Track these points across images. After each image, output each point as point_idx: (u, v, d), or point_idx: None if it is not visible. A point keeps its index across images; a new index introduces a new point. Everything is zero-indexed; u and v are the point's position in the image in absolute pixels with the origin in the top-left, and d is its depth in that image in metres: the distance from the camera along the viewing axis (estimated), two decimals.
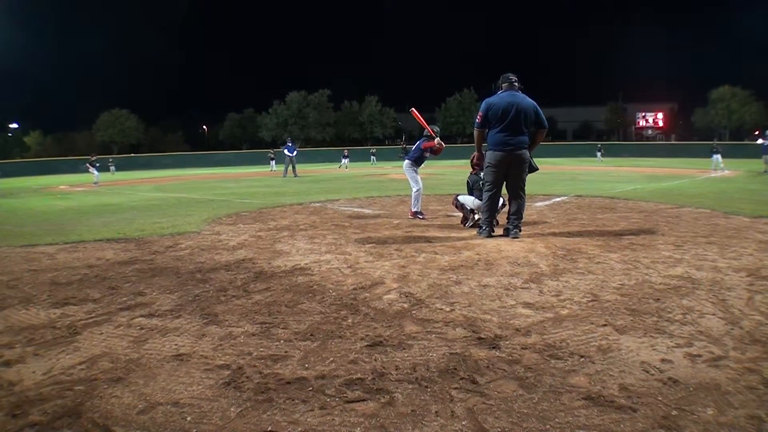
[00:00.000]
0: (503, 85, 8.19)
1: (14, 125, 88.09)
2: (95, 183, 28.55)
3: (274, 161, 44.99)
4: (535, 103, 8.11)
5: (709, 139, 50.39)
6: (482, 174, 8.71)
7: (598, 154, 52.26)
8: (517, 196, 8.16)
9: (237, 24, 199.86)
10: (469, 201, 9.31)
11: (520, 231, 8.17)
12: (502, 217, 9.08)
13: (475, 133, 8.50)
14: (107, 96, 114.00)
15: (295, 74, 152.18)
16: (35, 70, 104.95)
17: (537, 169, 8.64)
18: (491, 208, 8.26)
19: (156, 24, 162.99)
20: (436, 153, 10.71)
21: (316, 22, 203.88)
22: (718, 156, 30.00)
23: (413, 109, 10.75)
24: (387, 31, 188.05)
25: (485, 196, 8.27)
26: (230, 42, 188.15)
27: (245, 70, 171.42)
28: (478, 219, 9.10)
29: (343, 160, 47.18)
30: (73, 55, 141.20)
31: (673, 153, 56.78)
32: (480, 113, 8.22)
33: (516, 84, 8.16)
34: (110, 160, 52.22)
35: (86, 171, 31.20)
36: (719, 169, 28.71)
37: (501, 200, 8.79)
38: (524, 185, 8.24)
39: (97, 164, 31.17)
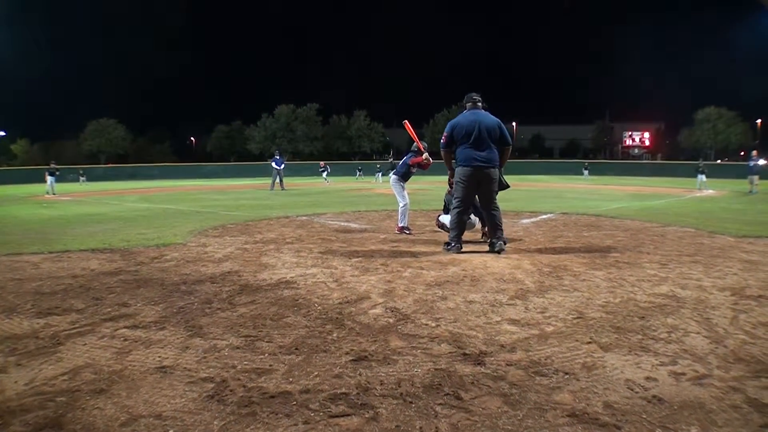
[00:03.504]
0: (467, 105, 8.45)
1: (1, 133, 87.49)
2: (47, 193, 28.21)
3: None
4: (499, 120, 8.32)
5: (695, 158, 50.78)
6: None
7: (585, 172, 52.70)
8: (490, 210, 8.27)
9: (227, 36, 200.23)
10: (448, 220, 9.40)
11: (505, 243, 8.26)
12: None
13: (443, 153, 8.69)
14: (95, 105, 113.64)
15: (284, 87, 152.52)
16: (23, 78, 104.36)
17: (508, 186, 8.84)
18: (459, 225, 8.36)
19: (146, 35, 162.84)
20: (423, 168, 10.75)
21: (307, 35, 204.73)
22: (703, 176, 30.30)
23: (406, 121, 10.80)
24: (377, 46, 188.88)
25: (453, 212, 8.43)
26: (220, 54, 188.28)
27: (234, 82, 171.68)
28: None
29: (323, 172, 45.54)
30: (62, 64, 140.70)
31: (659, 172, 57.25)
32: (445, 134, 8.46)
33: (480, 104, 8.42)
34: (81, 171, 51.90)
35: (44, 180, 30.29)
36: (703, 188, 28.98)
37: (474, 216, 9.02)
38: (495, 199, 8.36)
39: (57, 173, 30.66)
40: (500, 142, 8.30)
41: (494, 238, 8.23)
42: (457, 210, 8.33)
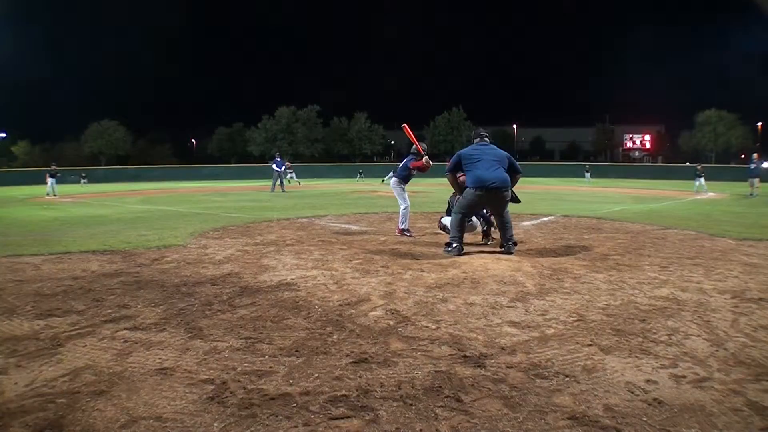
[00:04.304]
0: (475, 140, 8.74)
1: (2, 134, 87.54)
2: (47, 195, 28.20)
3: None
4: (507, 153, 8.61)
5: (695, 161, 50.77)
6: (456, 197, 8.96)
7: (587, 174, 52.68)
8: (501, 216, 8.39)
9: (227, 38, 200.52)
10: (447, 220, 9.44)
11: (515, 245, 8.43)
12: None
13: (448, 177, 8.96)
14: (96, 107, 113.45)
15: (285, 89, 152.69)
16: (24, 80, 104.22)
17: (519, 201, 9.01)
18: (460, 227, 8.42)
19: (146, 35, 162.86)
20: (423, 171, 10.75)
21: (307, 37, 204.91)
22: (701, 179, 30.45)
23: (405, 125, 10.85)
24: (377, 49, 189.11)
25: (454, 216, 8.54)
26: (220, 56, 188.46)
27: (235, 84, 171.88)
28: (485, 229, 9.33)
29: (289, 174, 41.67)
30: (63, 66, 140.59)
31: (660, 175, 57.18)
32: (451, 161, 8.73)
33: (487, 139, 8.74)
34: (82, 173, 51.76)
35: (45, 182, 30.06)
36: (702, 191, 29.07)
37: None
38: (506, 210, 8.48)
39: (58, 174, 30.53)
40: (510, 170, 8.44)
41: (506, 239, 8.37)
42: (458, 216, 8.40)
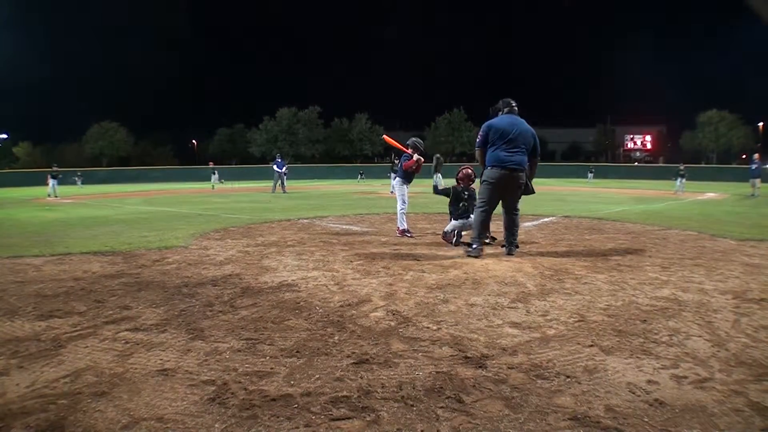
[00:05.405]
0: (504, 109, 8.46)
1: (3, 136, 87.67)
2: (48, 196, 28.33)
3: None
4: (534, 131, 8.39)
5: (697, 161, 51.01)
6: (469, 192, 8.89)
7: (590, 175, 52.87)
8: (512, 213, 8.36)
9: (228, 38, 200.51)
10: (450, 227, 9.38)
11: (517, 247, 8.39)
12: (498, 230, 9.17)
13: (477, 153, 8.68)
14: (97, 108, 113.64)
15: (286, 90, 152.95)
16: (25, 81, 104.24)
17: (533, 192, 8.78)
18: (483, 224, 8.35)
19: (147, 37, 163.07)
20: (416, 171, 10.75)
21: (308, 38, 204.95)
22: (682, 179, 31.06)
23: (385, 135, 11.02)
24: (377, 49, 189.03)
25: (477, 213, 8.40)
26: (220, 56, 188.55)
27: (235, 84, 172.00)
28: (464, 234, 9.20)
29: (213, 177, 41.11)
30: (64, 67, 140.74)
31: (661, 175, 57.17)
32: (481, 134, 8.46)
33: (516, 109, 8.44)
34: (78, 173, 51.69)
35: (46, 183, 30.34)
36: (679, 191, 29.58)
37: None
38: (518, 204, 8.45)
39: (59, 176, 30.53)
40: (531, 153, 8.35)
41: (510, 240, 8.36)
42: (482, 210, 8.32)
